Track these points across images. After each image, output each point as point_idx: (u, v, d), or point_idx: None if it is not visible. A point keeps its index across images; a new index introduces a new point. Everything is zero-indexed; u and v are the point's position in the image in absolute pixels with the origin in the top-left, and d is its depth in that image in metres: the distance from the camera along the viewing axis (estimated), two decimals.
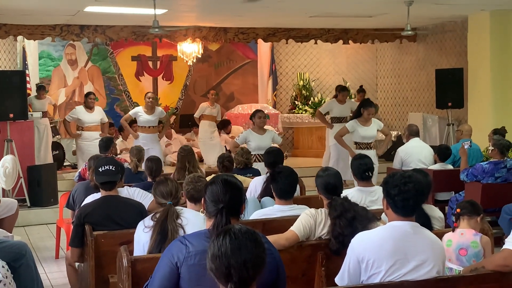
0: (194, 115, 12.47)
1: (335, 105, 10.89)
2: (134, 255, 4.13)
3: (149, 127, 10.36)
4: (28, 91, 11.37)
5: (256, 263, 2.43)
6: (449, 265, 4.45)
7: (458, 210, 4.69)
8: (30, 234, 8.87)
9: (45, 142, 11.60)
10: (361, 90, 13.21)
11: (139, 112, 10.36)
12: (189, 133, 13.93)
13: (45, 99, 11.88)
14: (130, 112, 10.66)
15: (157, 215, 4.11)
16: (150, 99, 10.31)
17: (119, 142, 12.11)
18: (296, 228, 4.21)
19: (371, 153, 8.37)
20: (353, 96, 13.58)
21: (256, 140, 8.32)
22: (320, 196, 4.49)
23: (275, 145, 8.53)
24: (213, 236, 2.53)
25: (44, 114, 11.73)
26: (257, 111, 8.72)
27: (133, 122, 10.87)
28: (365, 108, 8.75)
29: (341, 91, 10.96)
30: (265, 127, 8.74)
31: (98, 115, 10.99)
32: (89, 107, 10.89)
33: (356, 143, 8.87)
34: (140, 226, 4.17)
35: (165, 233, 3.99)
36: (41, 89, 11.90)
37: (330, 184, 4.37)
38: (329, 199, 4.31)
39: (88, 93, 11.17)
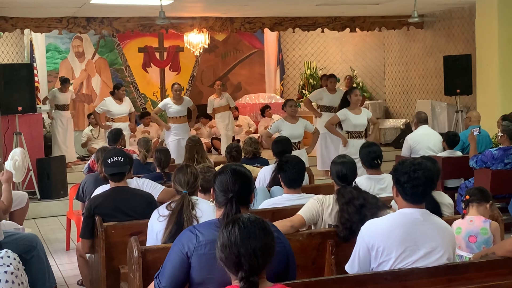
0: (207, 111, 12.46)
1: (325, 94, 10.72)
2: (147, 243, 4.15)
3: (179, 117, 10.47)
4: (35, 84, 11.41)
5: (266, 251, 2.45)
6: (459, 253, 4.45)
7: (467, 197, 4.68)
8: (40, 226, 8.92)
9: (69, 134, 11.82)
10: (350, 78, 13.25)
11: (169, 104, 10.48)
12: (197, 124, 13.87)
13: (68, 92, 11.91)
14: (160, 105, 10.82)
15: (172, 205, 4.11)
16: (178, 91, 10.44)
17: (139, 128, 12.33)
18: (303, 212, 4.27)
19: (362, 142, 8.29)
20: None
21: (288, 129, 8.29)
22: (332, 182, 4.52)
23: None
24: (221, 226, 2.54)
25: (67, 107, 11.83)
26: (288, 100, 8.76)
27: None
28: (350, 93, 8.74)
29: (330, 78, 10.84)
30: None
31: (126, 106, 11.09)
32: (118, 98, 10.97)
33: (348, 132, 8.80)
34: (155, 215, 4.17)
35: (181, 223, 3.97)
36: (66, 82, 11.91)
37: (342, 172, 4.39)
38: (340, 186, 4.33)
39: (119, 86, 11.25)
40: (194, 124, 11.36)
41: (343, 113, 8.69)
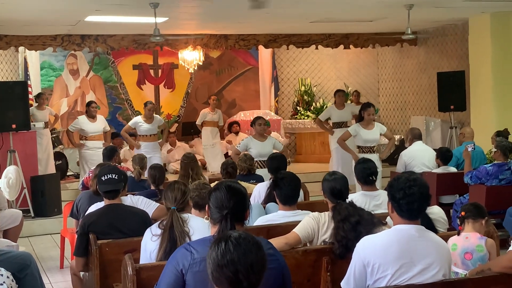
0: (196, 122, 12.58)
1: (333, 111, 10.90)
2: (140, 262, 4.13)
3: (149, 135, 10.52)
4: (30, 101, 11.36)
5: (261, 265, 2.43)
6: (454, 270, 4.43)
7: (462, 213, 4.67)
8: (34, 245, 8.86)
9: (49, 154, 11.56)
10: (357, 93, 13.36)
11: (139, 122, 10.50)
12: (193, 141, 13.91)
13: (45, 110, 11.73)
14: (130, 123, 10.82)
15: (164, 223, 4.09)
16: (150, 110, 10.47)
17: (125, 151, 12.15)
18: (298, 230, 4.24)
19: (374, 157, 8.29)
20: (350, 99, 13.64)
21: (257, 147, 8.29)
22: (325, 199, 4.49)
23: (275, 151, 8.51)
24: (211, 247, 2.48)
25: (46, 124, 11.57)
26: (257, 118, 8.72)
27: (132, 134, 10.92)
28: (364, 109, 8.79)
29: (336, 93, 10.98)
30: (272, 133, 8.77)
31: (100, 124, 11.02)
32: (91, 116, 10.92)
33: (359, 147, 8.85)
34: (148, 234, 4.15)
35: (174, 240, 3.96)
36: (40, 96, 11.67)
37: (336, 188, 4.37)
38: (334, 203, 4.30)
39: (90, 102, 11.19)
40: (164, 143, 11.43)
41: (354, 129, 8.77)
